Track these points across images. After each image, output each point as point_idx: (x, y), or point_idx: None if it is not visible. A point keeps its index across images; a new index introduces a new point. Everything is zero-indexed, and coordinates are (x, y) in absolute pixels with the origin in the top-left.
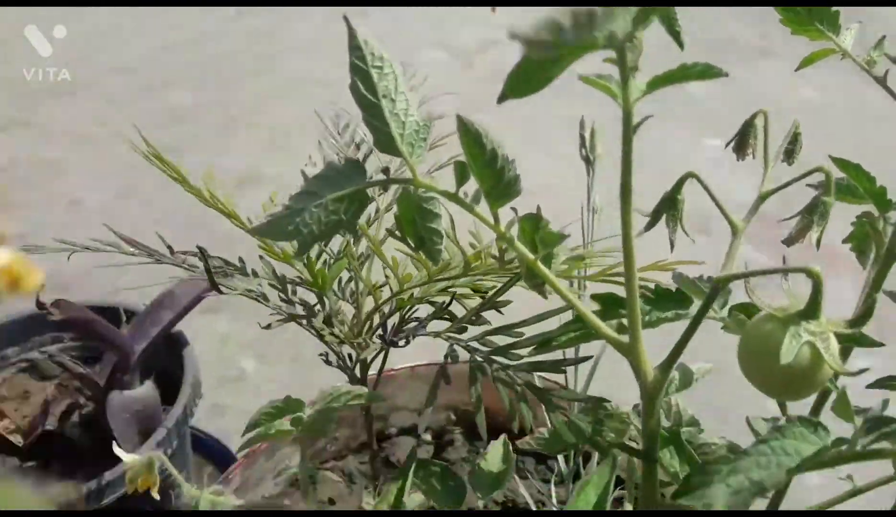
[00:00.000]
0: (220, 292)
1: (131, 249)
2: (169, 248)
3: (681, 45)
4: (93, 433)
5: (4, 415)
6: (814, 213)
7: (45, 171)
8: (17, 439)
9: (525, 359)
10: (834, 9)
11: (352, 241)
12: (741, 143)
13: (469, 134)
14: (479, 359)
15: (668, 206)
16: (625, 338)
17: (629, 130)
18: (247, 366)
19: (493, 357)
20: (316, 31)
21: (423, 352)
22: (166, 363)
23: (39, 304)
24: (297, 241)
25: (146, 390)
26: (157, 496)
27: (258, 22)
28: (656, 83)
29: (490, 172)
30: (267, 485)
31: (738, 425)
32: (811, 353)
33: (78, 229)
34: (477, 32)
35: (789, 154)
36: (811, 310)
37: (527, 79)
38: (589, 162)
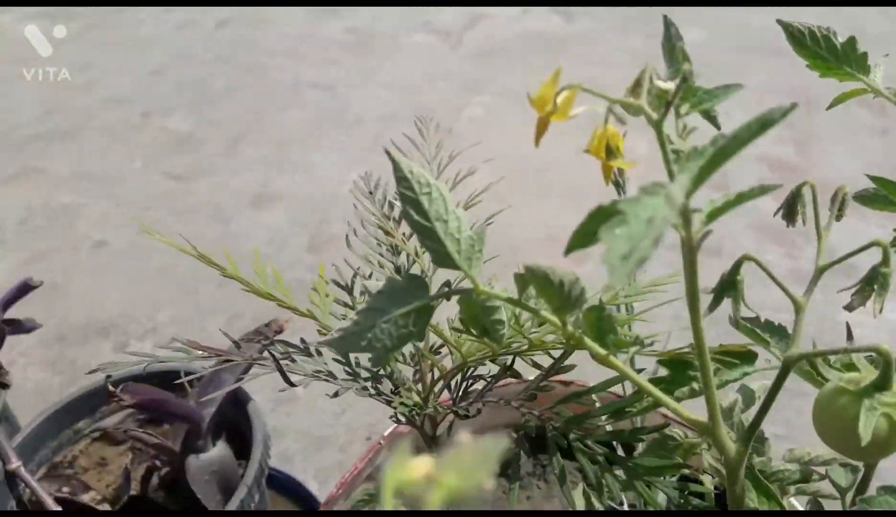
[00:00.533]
0: (293, 385)
1: (200, 353)
2: (235, 343)
3: (717, 127)
4: (175, 495)
5: (89, 487)
6: (873, 283)
7: (63, 217)
8: (104, 508)
9: (603, 430)
10: (861, 51)
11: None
12: (790, 212)
13: (537, 277)
14: (555, 428)
15: (729, 288)
16: (703, 419)
17: (692, 257)
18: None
19: (569, 427)
20: (299, 31)
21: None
22: (232, 419)
23: (110, 394)
24: (372, 355)
25: (220, 450)
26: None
27: (239, 31)
28: (714, 214)
29: (557, 295)
30: None
31: (800, 438)
32: (887, 424)
33: (107, 271)
34: (461, 10)
35: (839, 218)
36: (883, 382)
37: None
38: (618, 186)
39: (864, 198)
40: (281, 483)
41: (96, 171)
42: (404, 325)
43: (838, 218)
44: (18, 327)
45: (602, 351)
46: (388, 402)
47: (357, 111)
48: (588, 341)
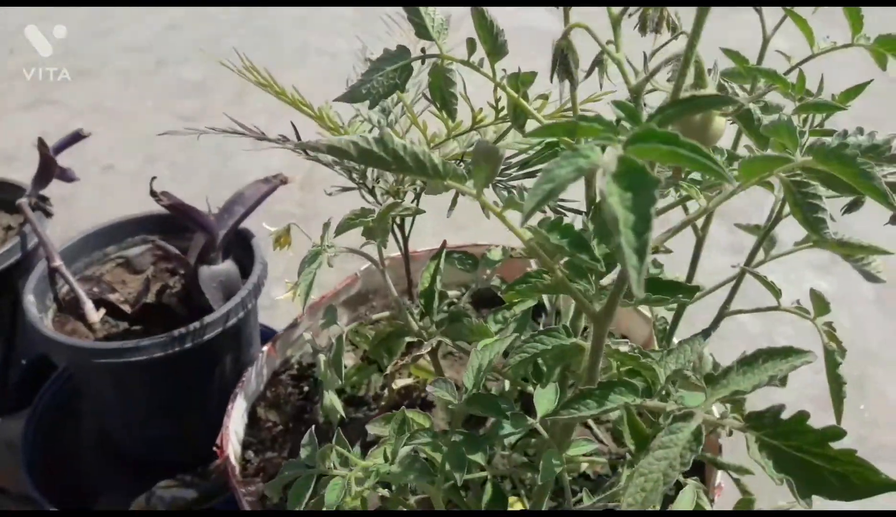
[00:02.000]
0: (308, 154)
1: (243, 131)
2: (262, 132)
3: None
4: (186, 305)
5: (115, 290)
6: None
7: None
8: (126, 308)
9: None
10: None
11: (388, 122)
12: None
13: (479, 12)
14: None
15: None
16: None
17: None
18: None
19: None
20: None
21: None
22: (238, 254)
23: (153, 192)
24: (370, 100)
25: (228, 265)
26: (291, 253)
27: None
28: None
29: (490, 37)
30: (323, 338)
31: None
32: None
33: (113, 191)
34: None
35: None
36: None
37: None
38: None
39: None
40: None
41: (109, 107)
42: (392, 78)
43: None
44: (64, 174)
45: (515, 93)
46: (371, 191)
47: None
48: (507, 88)
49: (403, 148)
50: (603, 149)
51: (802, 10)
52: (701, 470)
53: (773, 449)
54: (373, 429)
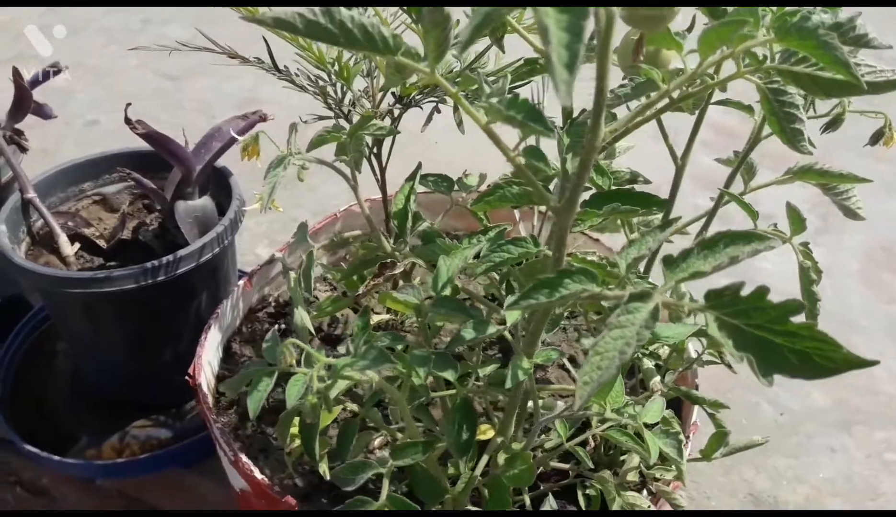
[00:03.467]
0: (280, 72)
1: (219, 50)
2: (236, 53)
3: None
4: (162, 240)
5: (90, 224)
6: None
7: (57, 97)
8: (101, 243)
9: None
10: None
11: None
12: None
13: None
14: None
15: None
16: None
17: None
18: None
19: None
20: None
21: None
22: (215, 191)
23: (128, 120)
24: None
25: (204, 201)
26: (260, 164)
27: None
28: None
29: None
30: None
31: None
32: None
33: (96, 145)
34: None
35: None
36: None
37: None
38: None
39: None
40: None
41: (92, 64)
42: None
43: None
44: (40, 110)
45: None
46: (346, 116)
47: None
48: None
49: (351, 19)
50: None
51: None
52: (678, 407)
53: (732, 327)
54: (343, 349)
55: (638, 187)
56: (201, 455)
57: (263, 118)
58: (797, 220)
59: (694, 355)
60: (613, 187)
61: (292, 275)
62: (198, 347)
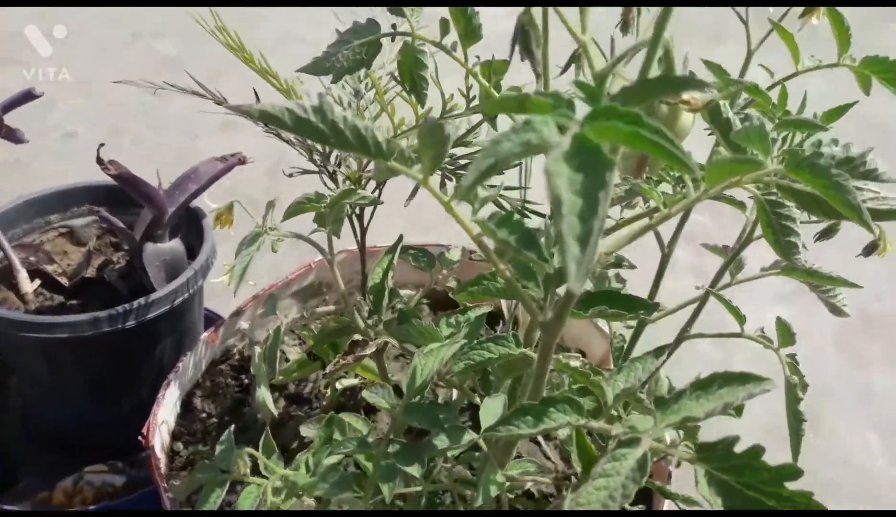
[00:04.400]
0: (267, 126)
1: (202, 91)
2: (224, 97)
3: None
4: (127, 281)
5: (53, 260)
6: None
7: (38, 106)
8: (63, 281)
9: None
10: None
11: (359, 105)
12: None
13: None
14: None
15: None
16: None
17: None
18: None
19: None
20: None
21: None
22: (188, 233)
23: (100, 160)
24: (333, 74)
25: (174, 244)
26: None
27: None
28: None
29: (463, 18)
30: (273, 323)
31: None
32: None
33: (75, 159)
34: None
35: None
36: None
37: None
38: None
39: None
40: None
41: (76, 75)
42: (359, 53)
43: None
44: (11, 134)
45: (487, 83)
46: (332, 176)
47: None
48: (479, 76)
49: (343, 120)
50: (561, 129)
51: (790, 26)
52: (648, 498)
53: (722, 484)
54: (306, 431)
55: (623, 272)
56: (157, 505)
57: (242, 161)
58: (786, 334)
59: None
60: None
61: (257, 350)
62: (154, 405)
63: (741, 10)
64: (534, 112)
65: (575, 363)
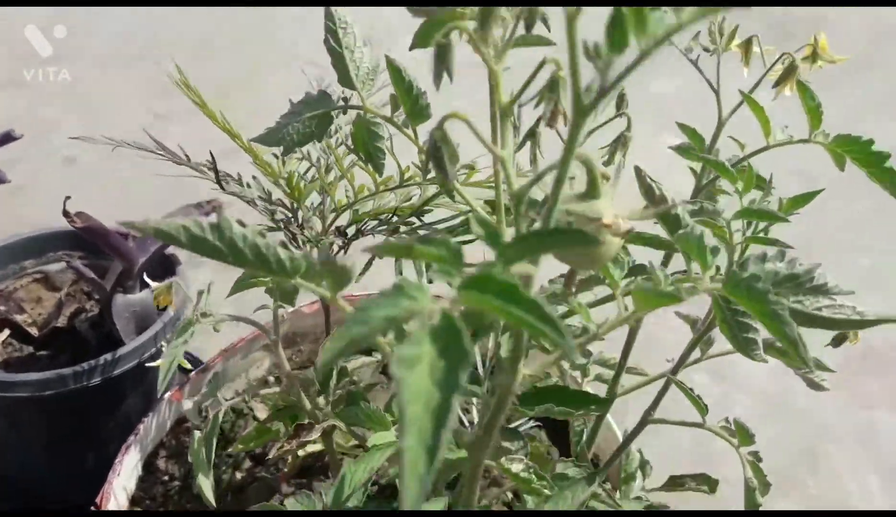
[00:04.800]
0: (224, 189)
1: (161, 153)
2: (187, 156)
3: None
4: (98, 331)
5: (24, 311)
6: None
7: (42, 127)
8: (33, 331)
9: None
10: None
11: (322, 168)
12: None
13: (393, 68)
14: None
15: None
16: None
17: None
18: None
19: None
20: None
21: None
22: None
23: (66, 212)
24: (283, 146)
25: (145, 295)
26: (171, 312)
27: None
28: None
29: (409, 98)
30: (241, 382)
31: None
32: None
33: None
34: None
35: None
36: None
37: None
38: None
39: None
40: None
41: (80, 94)
42: (308, 126)
43: None
44: None
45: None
46: (293, 237)
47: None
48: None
49: (243, 238)
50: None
51: (761, 98)
52: None
53: None
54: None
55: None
56: None
57: (217, 208)
58: (745, 435)
59: None
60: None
61: (197, 435)
62: (110, 472)
63: (713, 79)
64: (423, 259)
65: (517, 467)
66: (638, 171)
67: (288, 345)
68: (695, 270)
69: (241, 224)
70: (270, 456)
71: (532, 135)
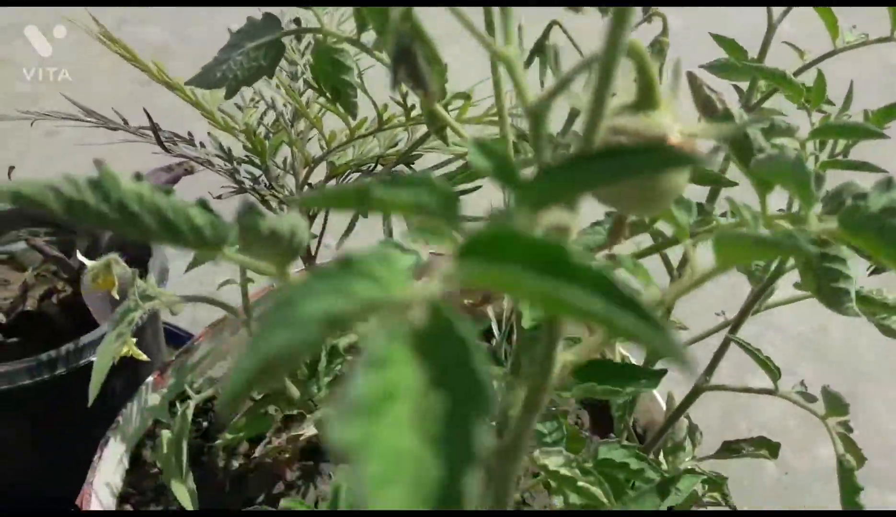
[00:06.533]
0: (167, 150)
1: (92, 119)
2: (124, 119)
3: None
4: (70, 313)
5: None
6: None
7: (23, 103)
8: (0, 317)
9: None
10: None
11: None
12: None
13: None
14: None
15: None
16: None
17: None
18: None
19: None
20: None
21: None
22: (136, 254)
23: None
24: (226, 87)
25: (117, 269)
26: (117, 296)
27: None
28: None
29: (380, 15)
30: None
31: None
32: None
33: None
34: None
35: None
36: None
37: None
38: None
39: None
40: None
41: (60, 64)
42: (255, 58)
43: None
44: None
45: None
46: (264, 200)
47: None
48: None
49: (138, 198)
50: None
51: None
52: None
53: None
54: None
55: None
56: None
57: (190, 171)
58: (836, 405)
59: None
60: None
61: (166, 434)
62: (89, 471)
63: None
64: (390, 210)
65: (555, 462)
66: (693, 78)
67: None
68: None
69: (139, 178)
70: (257, 454)
71: (540, 50)
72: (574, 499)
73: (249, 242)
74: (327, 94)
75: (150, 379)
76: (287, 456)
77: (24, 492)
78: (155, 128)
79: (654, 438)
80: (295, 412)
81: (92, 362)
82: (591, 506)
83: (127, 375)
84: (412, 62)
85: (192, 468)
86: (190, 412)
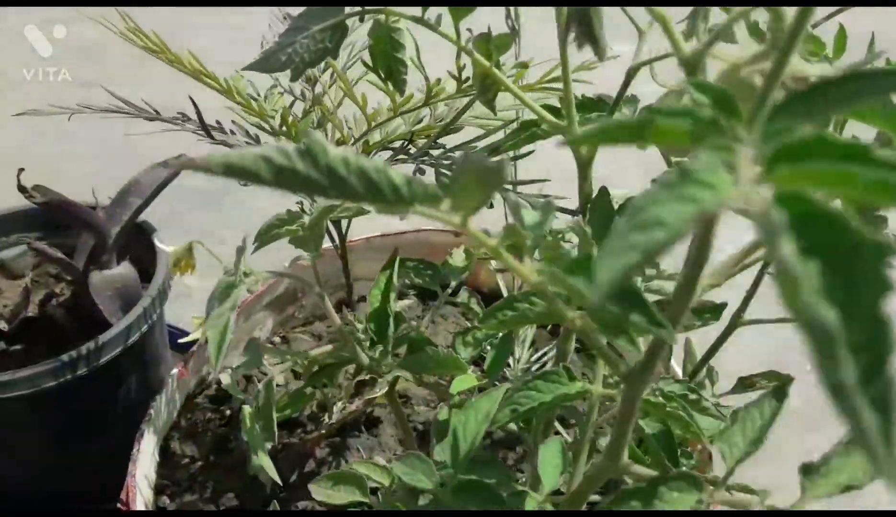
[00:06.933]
0: (213, 139)
1: (128, 109)
2: (156, 111)
3: None
4: (75, 316)
5: None
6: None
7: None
8: (2, 325)
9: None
10: None
11: (323, 91)
12: None
13: None
14: (440, 169)
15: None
16: (563, 122)
17: None
18: None
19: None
20: None
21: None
22: (136, 251)
23: (21, 188)
24: (291, 69)
25: (125, 269)
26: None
27: None
28: None
29: None
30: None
31: None
32: None
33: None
34: None
35: None
36: None
37: None
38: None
39: None
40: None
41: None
42: (321, 40)
43: None
44: None
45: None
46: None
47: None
48: (476, 53)
49: (344, 163)
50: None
51: None
52: None
53: None
54: (318, 495)
55: None
56: None
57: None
58: None
59: None
60: None
61: (247, 409)
62: (130, 463)
63: None
64: (665, 142)
65: (661, 397)
66: None
67: (290, 303)
68: None
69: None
70: (333, 420)
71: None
72: (650, 428)
73: (441, 197)
74: (379, 73)
75: (174, 371)
76: (323, 432)
77: (46, 489)
78: (201, 117)
79: (693, 372)
80: (367, 377)
81: (112, 359)
82: (685, 430)
83: (138, 377)
84: (588, 21)
85: (220, 456)
86: (274, 383)
